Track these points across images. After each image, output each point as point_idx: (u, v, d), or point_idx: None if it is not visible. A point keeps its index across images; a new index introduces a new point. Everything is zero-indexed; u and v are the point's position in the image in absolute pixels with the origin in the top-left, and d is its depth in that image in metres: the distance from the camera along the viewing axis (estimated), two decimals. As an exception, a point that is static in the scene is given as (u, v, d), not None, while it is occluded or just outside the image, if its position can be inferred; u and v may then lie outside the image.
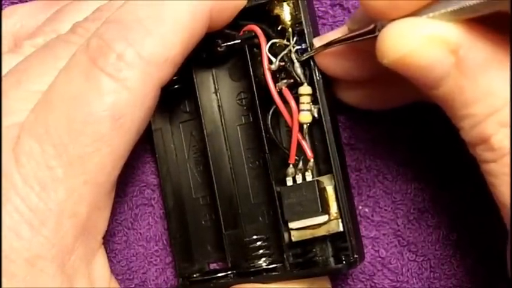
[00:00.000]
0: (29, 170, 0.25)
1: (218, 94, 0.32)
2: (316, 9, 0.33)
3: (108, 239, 0.34)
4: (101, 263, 0.28)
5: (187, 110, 0.33)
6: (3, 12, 0.32)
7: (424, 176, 0.32)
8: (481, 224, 0.31)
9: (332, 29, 0.33)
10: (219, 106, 0.32)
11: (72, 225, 0.26)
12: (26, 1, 0.35)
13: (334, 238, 0.30)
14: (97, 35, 0.26)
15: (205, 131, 0.31)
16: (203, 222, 0.33)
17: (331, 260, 0.30)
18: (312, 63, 0.29)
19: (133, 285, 0.34)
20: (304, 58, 0.29)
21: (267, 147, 0.30)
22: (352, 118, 0.33)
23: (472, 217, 0.31)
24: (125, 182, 0.34)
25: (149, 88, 0.26)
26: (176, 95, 0.33)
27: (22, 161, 0.25)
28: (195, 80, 0.32)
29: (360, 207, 0.32)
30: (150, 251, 0.34)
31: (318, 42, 0.29)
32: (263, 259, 0.30)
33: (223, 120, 0.32)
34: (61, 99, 0.26)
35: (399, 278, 0.32)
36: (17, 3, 0.36)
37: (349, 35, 0.27)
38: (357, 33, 0.26)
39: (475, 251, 0.31)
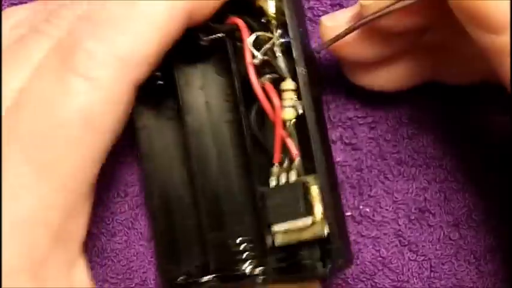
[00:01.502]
0: None
1: (204, 90, 0.31)
2: (316, 8, 0.33)
3: (108, 239, 0.34)
4: (80, 272, 0.27)
5: (175, 106, 0.31)
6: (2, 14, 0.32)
7: (425, 176, 0.32)
8: (482, 224, 0.31)
9: (333, 28, 0.33)
10: (206, 102, 0.31)
11: (45, 234, 0.24)
12: (26, 2, 0.35)
13: (321, 241, 0.28)
14: (69, 33, 0.25)
15: (188, 127, 0.30)
16: (189, 223, 0.31)
17: (318, 264, 0.28)
18: (294, 55, 0.28)
19: (133, 285, 0.33)
20: (328, 45, 0.28)
21: (248, 147, 0.28)
22: (353, 118, 0.32)
23: (473, 217, 0.31)
24: (125, 182, 0.34)
25: (123, 88, 0.25)
26: (163, 92, 0.31)
27: None
28: (176, 75, 0.30)
29: (361, 207, 0.32)
30: (150, 250, 0.33)
31: (328, 21, 0.28)
32: (247, 263, 0.29)
33: (210, 117, 0.31)
34: (31, 102, 0.25)
35: (400, 277, 0.32)
36: (16, 4, 0.35)
37: (394, 6, 0.25)
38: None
39: (475, 251, 0.31)
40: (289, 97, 0.28)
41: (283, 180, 0.28)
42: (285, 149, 0.28)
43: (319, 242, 0.29)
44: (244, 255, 0.29)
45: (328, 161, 0.28)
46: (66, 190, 0.25)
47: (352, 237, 0.32)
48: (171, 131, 0.32)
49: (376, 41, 0.28)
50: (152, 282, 0.33)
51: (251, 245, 0.30)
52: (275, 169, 0.28)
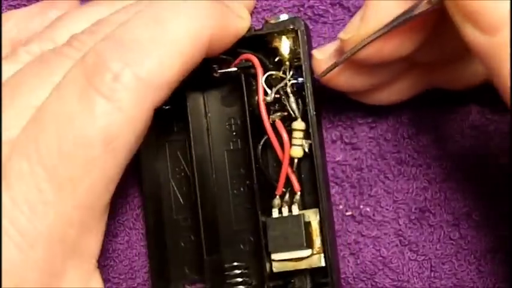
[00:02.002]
0: (18, 191, 0.24)
1: (208, 118, 0.32)
2: (317, 7, 0.33)
3: (110, 239, 0.34)
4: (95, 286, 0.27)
5: (175, 130, 0.33)
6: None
7: (426, 176, 0.32)
8: (482, 224, 0.31)
9: (333, 27, 0.33)
10: (208, 130, 0.32)
11: (62, 249, 0.25)
12: (25, 5, 0.35)
13: (315, 272, 0.30)
14: (94, 52, 0.26)
15: (193, 153, 0.31)
16: (182, 244, 0.32)
17: None
18: (307, 98, 0.29)
19: (135, 285, 0.34)
20: (324, 75, 0.29)
21: (255, 177, 0.30)
22: (354, 117, 0.32)
23: (473, 217, 0.31)
24: (126, 183, 0.34)
25: (143, 110, 0.25)
26: (165, 114, 0.32)
27: (11, 181, 0.24)
28: (187, 102, 0.31)
29: (361, 207, 0.32)
30: (151, 251, 0.34)
31: (318, 54, 0.29)
32: (241, 287, 0.30)
33: (210, 144, 0.32)
34: (53, 118, 0.25)
35: (400, 277, 0.32)
36: (14, 6, 0.36)
37: (402, 18, 0.25)
38: (415, 13, 0.24)
39: (475, 250, 0.31)
40: (299, 136, 0.30)
41: (284, 212, 0.30)
42: (287, 182, 0.30)
43: (311, 273, 0.30)
44: (239, 280, 0.31)
45: (328, 196, 0.30)
46: (83, 207, 0.25)
47: (352, 237, 0.32)
48: (171, 154, 0.33)
49: (365, 72, 0.29)
50: (154, 282, 0.34)
51: (246, 270, 0.31)
52: (276, 201, 0.30)
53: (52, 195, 0.24)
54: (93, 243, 0.27)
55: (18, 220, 0.24)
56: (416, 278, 0.32)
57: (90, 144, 0.25)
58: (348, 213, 0.32)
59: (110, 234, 0.34)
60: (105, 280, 0.34)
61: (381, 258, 0.32)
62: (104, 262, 0.34)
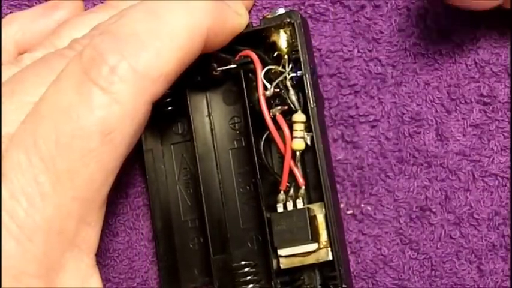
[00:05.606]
0: (16, 184, 0.24)
1: (211, 117, 0.32)
2: (317, 5, 0.33)
3: (111, 239, 0.34)
4: (94, 282, 0.27)
5: (180, 131, 0.33)
6: (4, 20, 0.32)
7: (427, 174, 0.32)
8: (483, 223, 0.31)
9: (334, 25, 0.33)
10: (211, 129, 0.32)
11: (60, 241, 0.25)
12: (26, 5, 0.35)
13: (323, 266, 0.30)
14: (91, 46, 0.26)
15: (197, 153, 0.31)
16: (191, 246, 0.33)
17: None
18: (306, 90, 0.29)
19: (135, 284, 0.34)
20: None
21: (258, 173, 0.30)
22: (354, 116, 0.32)
23: (474, 216, 0.31)
24: (127, 183, 0.34)
25: (141, 103, 0.26)
26: (169, 117, 0.33)
27: (9, 174, 0.24)
28: (188, 102, 0.32)
29: (362, 205, 0.32)
30: (151, 250, 0.34)
31: None
32: (250, 285, 0.30)
33: (215, 144, 0.32)
34: (50, 111, 0.25)
35: (401, 276, 0.32)
36: (15, 6, 0.35)
37: None
38: None
39: (476, 249, 0.31)
40: (299, 129, 0.30)
41: (289, 207, 0.30)
42: (291, 177, 0.30)
43: (319, 267, 0.30)
44: (248, 278, 0.30)
45: (333, 190, 0.30)
46: (82, 199, 0.25)
47: (353, 236, 0.32)
48: (175, 155, 0.33)
49: None
50: (154, 281, 0.34)
51: (255, 268, 0.31)
52: (281, 196, 0.30)
53: (50, 187, 0.24)
54: (92, 236, 0.27)
55: (16, 212, 0.24)
56: (417, 277, 0.32)
57: (88, 136, 0.25)
58: (348, 212, 0.32)
59: (110, 234, 0.34)
60: (105, 280, 0.34)
61: (381, 257, 0.32)
62: (104, 262, 0.34)
